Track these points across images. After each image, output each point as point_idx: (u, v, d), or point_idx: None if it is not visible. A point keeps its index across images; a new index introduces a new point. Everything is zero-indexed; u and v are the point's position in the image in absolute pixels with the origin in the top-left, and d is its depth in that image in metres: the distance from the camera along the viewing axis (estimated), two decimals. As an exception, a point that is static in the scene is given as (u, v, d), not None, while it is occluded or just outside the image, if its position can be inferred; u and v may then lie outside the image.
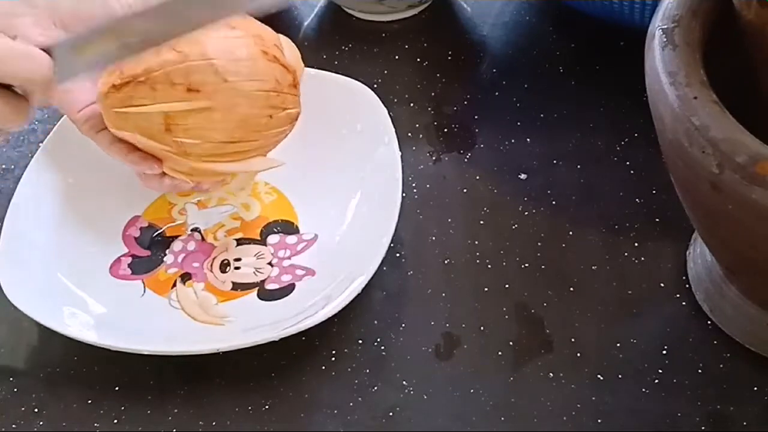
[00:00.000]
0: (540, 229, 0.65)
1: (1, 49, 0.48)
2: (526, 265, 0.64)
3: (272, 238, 0.66)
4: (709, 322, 0.60)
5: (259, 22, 0.59)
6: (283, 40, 0.61)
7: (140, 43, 0.47)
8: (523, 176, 0.68)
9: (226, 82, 0.56)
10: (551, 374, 0.58)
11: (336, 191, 0.66)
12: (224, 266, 0.64)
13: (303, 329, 0.58)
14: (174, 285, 0.63)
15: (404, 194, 0.64)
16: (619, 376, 0.58)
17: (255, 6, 0.46)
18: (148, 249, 0.65)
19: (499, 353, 0.60)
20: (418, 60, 0.77)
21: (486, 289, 0.63)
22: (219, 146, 0.58)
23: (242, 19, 0.58)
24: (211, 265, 0.64)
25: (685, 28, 0.50)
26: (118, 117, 0.57)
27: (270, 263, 0.64)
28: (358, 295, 0.59)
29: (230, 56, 0.56)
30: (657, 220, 0.65)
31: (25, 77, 0.48)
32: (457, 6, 0.82)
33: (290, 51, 0.61)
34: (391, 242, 0.61)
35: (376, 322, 0.62)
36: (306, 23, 0.81)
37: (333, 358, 0.60)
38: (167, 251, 0.65)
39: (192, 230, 0.66)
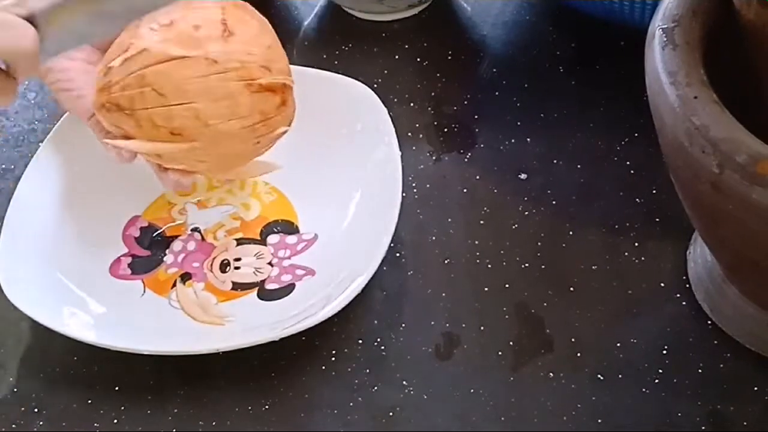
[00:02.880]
0: (540, 229, 0.65)
1: None
2: (526, 264, 0.64)
3: (272, 238, 0.66)
4: (709, 322, 0.60)
5: (247, 34, 0.57)
6: (269, 45, 0.59)
7: (120, 13, 0.45)
8: (523, 176, 0.68)
9: (208, 126, 0.57)
10: (551, 374, 0.58)
11: (336, 191, 0.66)
12: (224, 266, 0.64)
13: (303, 329, 0.58)
14: (174, 285, 0.63)
15: (404, 194, 0.64)
16: (620, 376, 0.58)
17: None
18: (148, 249, 0.65)
19: (499, 353, 0.60)
20: (418, 60, 0.77)
21: (486, 288, 0.63)
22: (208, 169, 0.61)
23: (227, 42, 0.56)
24: (211, 265, 0.64)
25: (685, 28, 0.50)
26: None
27: (270, 263, 0.64)
28: (358, 294, 0.59)
29: (211, 97, 0.56)
30: (657, 220, 0.65)
31: (8, 49, 0.45)
32: (457, 6, 0.82)
33: (279, 57, 0.59)
34: (391, 242, 0.61)
35: (376, 322, 0.62)
36: (306, 23, 0.81)
37: (333, 358, 0.60)
38: (167, 251, 0.65)
39: (192, 230, 0.66)
